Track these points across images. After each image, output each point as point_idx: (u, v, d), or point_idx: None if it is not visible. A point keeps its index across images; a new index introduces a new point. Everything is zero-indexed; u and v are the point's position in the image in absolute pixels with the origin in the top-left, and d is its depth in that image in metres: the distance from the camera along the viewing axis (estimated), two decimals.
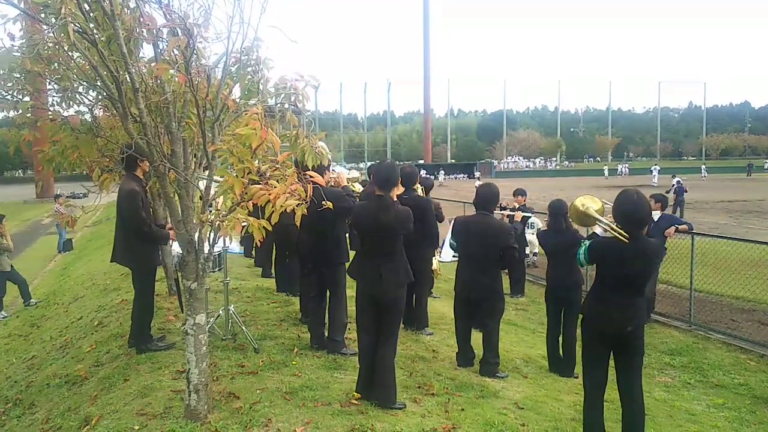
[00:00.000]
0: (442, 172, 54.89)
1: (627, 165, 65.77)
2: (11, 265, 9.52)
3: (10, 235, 9.61)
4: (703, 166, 54.53)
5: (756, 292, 8.28)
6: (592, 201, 4.13)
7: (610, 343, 3.67)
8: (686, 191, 21.50)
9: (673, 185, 21.60)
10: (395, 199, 4.02)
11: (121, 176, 4.86)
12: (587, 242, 3.86)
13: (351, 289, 5.28)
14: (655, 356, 6.57)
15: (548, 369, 5.47)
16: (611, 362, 3.74)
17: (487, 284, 4.89)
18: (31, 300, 9.54)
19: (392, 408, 3.78)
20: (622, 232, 3.56)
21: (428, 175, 16.68)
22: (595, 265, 3.81)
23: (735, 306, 8.41)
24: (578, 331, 5.53)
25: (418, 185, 6.16)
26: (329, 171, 4.83)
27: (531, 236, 10.73)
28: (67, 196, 15.56)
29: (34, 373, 5.49)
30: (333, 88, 79.21)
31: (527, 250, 11.33)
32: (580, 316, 3.95)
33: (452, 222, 5.22)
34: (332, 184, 4.80)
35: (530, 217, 9.28)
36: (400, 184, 5.17)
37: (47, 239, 18.47)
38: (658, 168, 47.93)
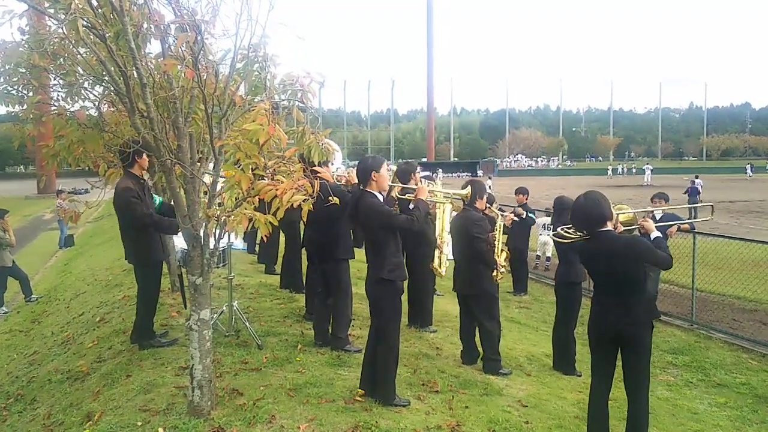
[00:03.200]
0: (440, 170, 54.59)
1: (634, 165, 65.08)
2: (13, 261, 9.51)
3: (12, 230, 9.59)
4: (749, 166, 52.37)
5: (757, 292, 8.29)
6: (619, 209, 4.16)
7: (612, 343, 3.67)
8: (700, 192, 21.42)
9: (692, 184, 21.42)
10: (399, 192, 4.05)
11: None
12: None
13: (356, 287, 5.29)
14: (658, 355, 6.57)
15: (552, 366, 5.47)
16: (618, 361, 3.75)
17: (470, 279, 4.94)
18: (33, 296, 9.53)
19: (393, 405, 3.78)
20: (569, 233, 3.79)
21: (430, 173, 16.57)
22: None
23: (737, 306, 8.41)
24: (579, 329, 5.58)
25: (420, 182, 6.13)
26: (328, 166, 4.78)
27: (546, 237, 10.54)
28: (69, 192, 15.54)
29: (36, 368, 5.49)
30: (337, 85, 79.35)
31: (539, 252, 11.22)
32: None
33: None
34: (343, 182, 4.78)
35: (527, 216, 9.20)
36: (398, 181, 5.17)
37: (48, 235, 18.47)
38: (650, 167, 48.07)
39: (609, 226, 3.61)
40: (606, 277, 3.63)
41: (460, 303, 5.18)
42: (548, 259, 11.06)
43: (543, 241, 10.87)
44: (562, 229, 3.99)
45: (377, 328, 3.92)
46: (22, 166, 75.16)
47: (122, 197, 4.66)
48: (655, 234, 3.81)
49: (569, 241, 3.90)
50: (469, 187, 4.94)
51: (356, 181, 4.79)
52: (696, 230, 7.95)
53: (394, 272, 3.86)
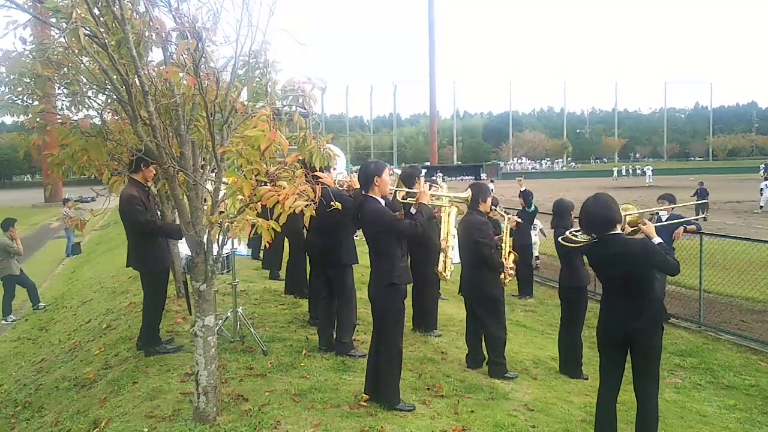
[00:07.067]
0: (440, 173, 54.20)
1: (638, 166, 64.77)
2: (20, 269, 9.56)
3: (20, 239, 9.66)
4: None
5: (766, 292, 8.20)
6: (624, 210, 4.14)
7: (621, 345, 3.65)
8: (708, 194, 21.18)
9: (700, 185, 21.11)
10: (402, 197, 4.04)
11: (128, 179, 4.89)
12: None
13: (360, 291, 5.28)
14: (665, 357, 6.50)
15: (558, 370, 5.44)
16: (627, 365, 3.72)
17: (473, 282, 4.93)
18: (40, 303, 9.58)
19: (397, 410, 3.77)
20: (578, 237, 3.77)
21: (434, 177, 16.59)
22: None
23: (745, 307, 8.34)
24: (586, 332, 5.55)
25: (423, 186, 6.13)
26: (330, 171, 4.80)
27: (535, 237, 10.59)
28: (75, 200, 15.64)
29: (43, 376, 5.51)
30: (339, 90, 79.71)
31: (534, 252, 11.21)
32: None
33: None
34: (345, 187, 4.79)
35: (524, 209, 9.19)
36: (402, 185, 5.16)
37: (56, 243, 18.57)
38: (651, 168, 48.72)
39: (618, 229, 3.59)
40: (617, 280, 3.59)
41: (467, 307, 5.16)
42: (537, 258, 11.16)
43: (533, 241, 10.86)
44: (570, 233, 3.94)
45: (380, 332, 3.91)
46: (28, 175, 75.79)
47: (126, 204, 4.71)
48: (657, 240, 3.70)
49: (578, 245, 3.84)
50: (470, 190, 4.92)
51: (358, 186, 4.80)
52: (703, 231, 7.89)
53: (400, 276, 3.87)
